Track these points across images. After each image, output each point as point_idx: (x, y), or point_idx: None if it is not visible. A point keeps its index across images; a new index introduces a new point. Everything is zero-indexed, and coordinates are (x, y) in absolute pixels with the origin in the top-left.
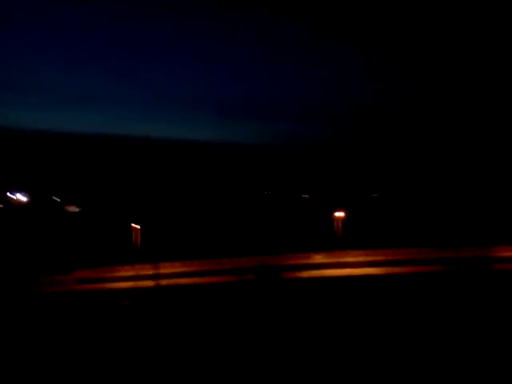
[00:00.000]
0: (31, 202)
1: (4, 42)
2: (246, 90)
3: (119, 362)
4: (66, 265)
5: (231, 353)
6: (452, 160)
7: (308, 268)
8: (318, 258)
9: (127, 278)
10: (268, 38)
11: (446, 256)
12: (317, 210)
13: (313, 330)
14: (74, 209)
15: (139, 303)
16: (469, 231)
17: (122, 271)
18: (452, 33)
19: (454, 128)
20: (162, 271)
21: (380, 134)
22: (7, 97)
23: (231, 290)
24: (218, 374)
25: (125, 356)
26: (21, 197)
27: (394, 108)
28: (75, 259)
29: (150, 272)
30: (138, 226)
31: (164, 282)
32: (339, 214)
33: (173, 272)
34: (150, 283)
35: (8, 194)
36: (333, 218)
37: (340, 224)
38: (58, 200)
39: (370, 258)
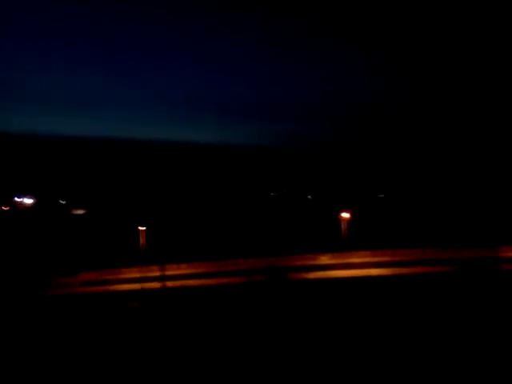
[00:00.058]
0: (37, 204)
1: (4, 42)
2: (246, 90)
3: (126, 364)
4: (71, 267)
5: (238, 353)
6: (454, 159)
7: (315, 269)
8: (325, 259)
9: (133, 279)
10: (268, 38)
11: (453, 256)
12: (322, 211)
13: (319, 331)
14: (79, 211)
15: (146, 305)
16: (476, 231)
17: (127, 273)
18: (452, 33)
19: (454, 128)
20: (169, 273)
21: (380, 134)
22: (7, 97)
23: (238, 292)
24: (226, 374)
25: (131, 357)
26: (27, 200)
27: (394, 108)
28: (80, 261)
29: (157, 274)
30: (144, 228)
31: (170, 283)
32: (345, 215)
33: (179, 274)
34: (156, 285)
35: (15, 198)
36: (339, 219)
37: (346, 225)
38: (64, 203)
39: (376, 259)
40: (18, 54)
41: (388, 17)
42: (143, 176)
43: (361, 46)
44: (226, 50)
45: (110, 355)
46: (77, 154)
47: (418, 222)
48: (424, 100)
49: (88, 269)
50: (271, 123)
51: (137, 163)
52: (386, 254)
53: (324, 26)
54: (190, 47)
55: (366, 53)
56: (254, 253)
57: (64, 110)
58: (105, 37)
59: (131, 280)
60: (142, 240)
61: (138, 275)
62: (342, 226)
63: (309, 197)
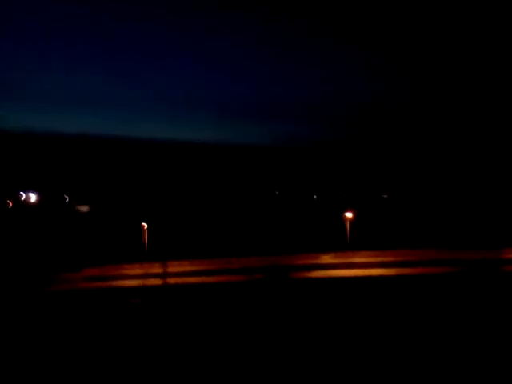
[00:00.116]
0: (41, 201)
1: (4, 42)
2: (246, 90)
3: (127, 360)
4: (75, 263)
5: (239, 351)
6: (455, 160)
7: (317, 268)
8: (328, 259)
9: (136, 276)
10: (268, 38)
11: (456, 257)
12: (326, 211)
13: (320, 330)
14: (83, 208)
15: (148, 301)
16: (479, 233)
17: (130, 269)
18: (452, 33)
19: (454, 128)
20: (171, 270)
21: (380, 134)
22: (7, 97)
23: (240, 290)
24: (226, 372)
25: (133, 354)
26: (31, 196)
27: (394, 108)
28: (84, 257)
29: (159, 270)
30: (146, 225)
31: (172, 280)
32: (349, 215)
33: (181, 271)
34: (158, 281)
35: (20, 193)
36: (343, 219)
37: (349, 225)
38: (68, 199)
39: (379, 259)
40: (18, 54)
41: (388, 17)
42: (146, 175)
43: (361, 46)
44: (225, 50)
45: (113, 350)
46: (77, 154)
47: (421, 223)
48: (424, 100)
49: (92, 265)
50: (271, 123)
51: (139, 162)
52: (388, 254)
53: (324, 25)
54: (189, 47)
55: (366, 53)
56: (257, 251)
57: (64, 109)
58: (105, 37)
59: (134, 276)
60: (144, 237)
61: (140, 271)
62: (347, 226)
63: (314, 197)
